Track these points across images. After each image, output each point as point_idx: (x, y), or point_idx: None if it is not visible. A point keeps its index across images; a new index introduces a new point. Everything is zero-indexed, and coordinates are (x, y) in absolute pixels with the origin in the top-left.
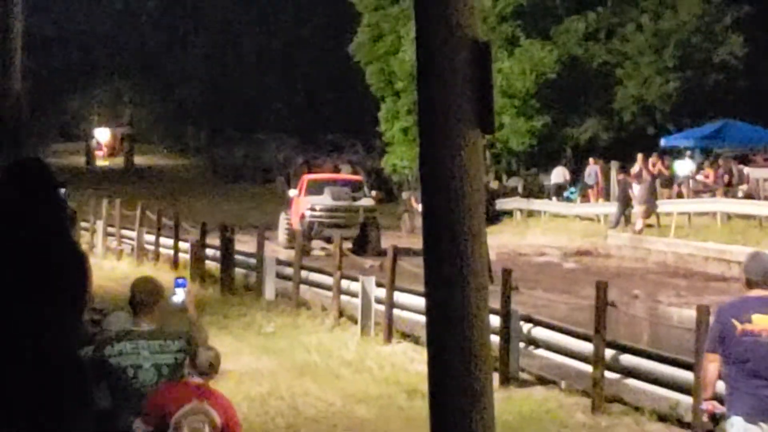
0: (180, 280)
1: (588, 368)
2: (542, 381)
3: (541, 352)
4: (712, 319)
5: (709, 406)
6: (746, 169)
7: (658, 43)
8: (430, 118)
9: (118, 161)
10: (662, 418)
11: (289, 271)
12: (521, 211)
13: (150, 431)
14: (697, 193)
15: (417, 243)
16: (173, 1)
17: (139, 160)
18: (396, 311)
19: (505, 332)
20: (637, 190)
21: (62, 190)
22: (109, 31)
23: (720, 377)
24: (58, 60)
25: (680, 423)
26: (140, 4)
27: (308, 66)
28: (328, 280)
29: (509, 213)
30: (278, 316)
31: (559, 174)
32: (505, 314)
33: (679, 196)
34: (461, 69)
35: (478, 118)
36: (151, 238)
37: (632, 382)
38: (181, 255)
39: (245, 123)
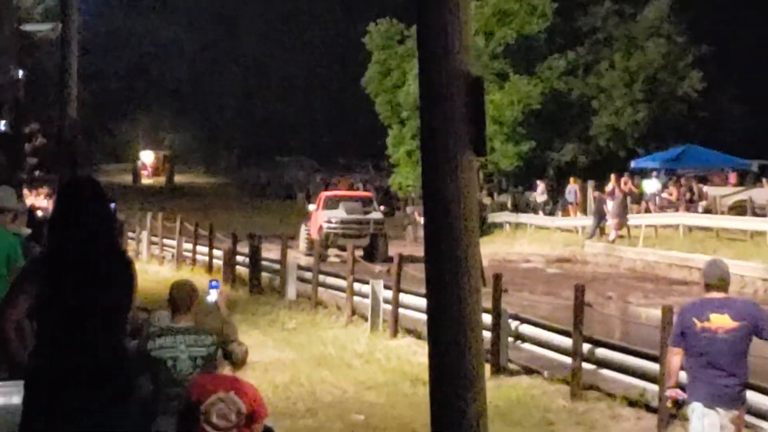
0: (213, 283)
1: (567, 360)
2: (528, 371)
3: (527, 345)
4: (675, 317)
5: (672, 393)
6: (705, 188)
7: (628, 79)
8: (431, 143)
9: (160, 180)
10: (632, 404)
11: (308, 275)
12: (510, 223)
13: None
14: (662, 209)
15: (419, 251)
16: (209, 40)
17: (178, 178)
18: (401, 310)
19: (496, 328)
20: (610, 205)
21: (112, 205)
22: (152, 66)
23: (682, 368)
24: (109, 91)
25: (648, 408)
26: (179, 42)
27: (325, 96)
28: (342, 283)
29: (500, 225)
30: (299, 314)
31: (540, 192)
32: (496, 313)
33: (647, 211)
34: (458, 100)
35: (472, 143)
36: (189, 246)
37: (606, 372)
38: (215, 261)
39: (270, 146)
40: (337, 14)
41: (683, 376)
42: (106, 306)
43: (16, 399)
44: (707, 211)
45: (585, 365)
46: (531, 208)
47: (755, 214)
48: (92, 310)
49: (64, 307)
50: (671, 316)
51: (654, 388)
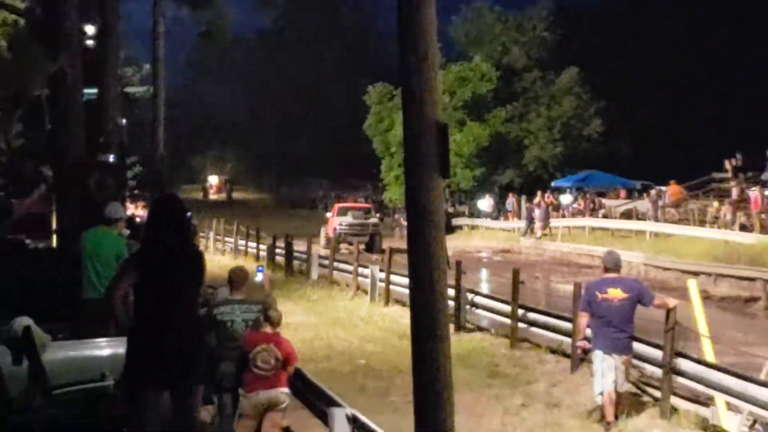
0: (259, 268)
1: (507, 321)
2: (480, 329)
3: (479, 311)
4: (583, 291)
5: (581, 344)
6: (603, 200)
7: (549, 124)
8: (412, 169)
9: (222, 196)
10: (553, 351)
11: (326, 262)
12: (467, 225)
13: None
14: (573, 215)
15: (404, 245)
16: (255, 96)
17: (235, 195)
18: (391, 286)
19: (457, 299)
20: (537, 213)
21: (188, 213)
22: (216, 114)
23: (588, 326)
24: (186, 133)
25: (564, 354)
26: (234, 96)
27: (338, 136)
28: (349, 267)
29: (460, 227)
30: (319, 289)
31: (488, 203)
32: (457, 288)
33: (563, 216)
34: (430, 140)
35: (440, 169)
36: (242, 242)
37: (534, 329)
38: (260, 252)
39: (299, 171)
40: (348, 78)
41: (589, 332)
42: (183, 285)
43: (121, 350)
44: (605, 216)
45: (520, 324)
46: (482, 215)
47: (638, 219)
48: (173, 289)
49: (153, 287)
50: (580, 290)
51: (568, 340)
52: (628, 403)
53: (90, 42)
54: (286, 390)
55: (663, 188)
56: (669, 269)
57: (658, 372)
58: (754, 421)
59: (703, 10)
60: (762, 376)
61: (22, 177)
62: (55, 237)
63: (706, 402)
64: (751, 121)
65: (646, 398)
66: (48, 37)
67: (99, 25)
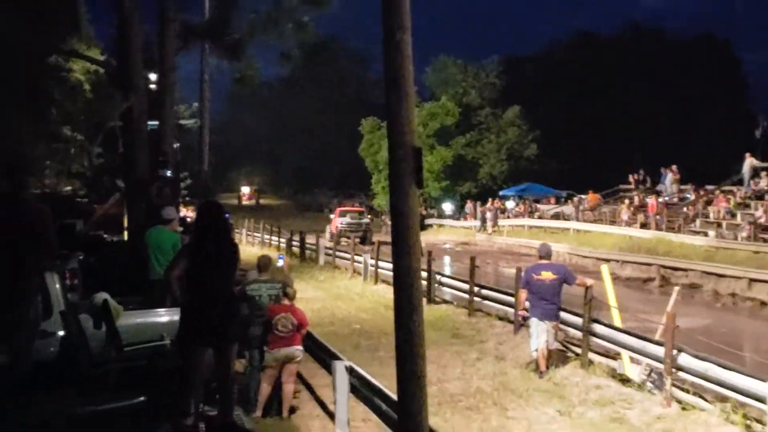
0: (280, 256)
1: (466, 296)
2: (445, 302)
3: (445, 288)
4: (523, 273)
5: (521, 313)
6: (538, 206)
7: (498, 148)
8: (395, 182)
9: (252, 202)
10: (501, 319)
11: (330, 251)
12: (436, 224)
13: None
14: (516, 216)
15: (389, 239)
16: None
17: (262, 201)
18: (379, 270)
19: (429, 279)
20: (488, 215)
21: (227, 215)
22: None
23: (526, 300)
24: (225, 155)
25: (509, 321)
26: (261, 124)
27: (340, 156)
28: (347, 255)
29: (431, 225)
30: (325, 272)
31: (451, 207)
32: (429, 270)
33: (508, 217)
34: (409, 160)
35: (416, 182)
36: (268, 236)
37: (487, 302)
38: (281, 244)
39: (310, 183)
40: (347, 114)
41: (527, 304)
42: (224, 268)
43: (176, 317)
44: (539, 217)
45: (475, 298)
46: (446, 216)
47: (564, 219)
48: (216, 271)
49: (200, 270)
50: (520, 272)
51: (511, 310)
52: (557, 358)
53: (152, 85)
54: (299, 347)
55: (583, 196)
56: (587, 257)
57: (578, 334)
58: (651, 371)
59: (613, 62)
60: (656, 337)
61: (101, 187)
62: (126, 233)
63: (615, 356)
64: (649, 146)
65: (570, 354)
66: (121, 82)
67: (159, 73)
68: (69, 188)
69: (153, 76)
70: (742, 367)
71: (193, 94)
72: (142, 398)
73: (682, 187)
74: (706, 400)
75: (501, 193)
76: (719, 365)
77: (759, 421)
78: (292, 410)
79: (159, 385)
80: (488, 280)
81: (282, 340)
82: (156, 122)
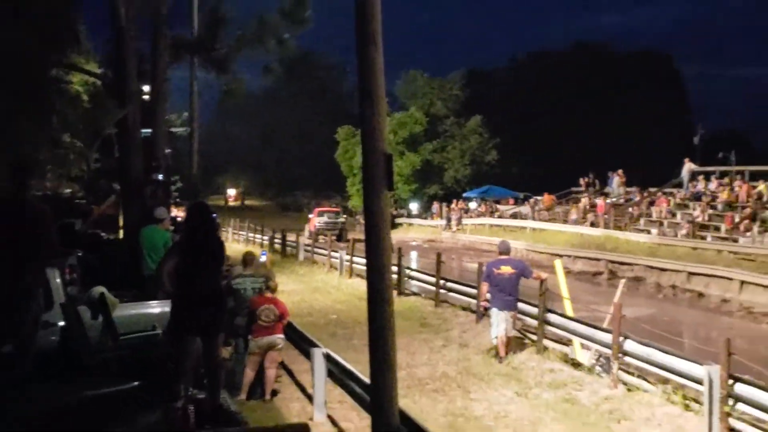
0: (263, 252)
1: (433, 288)
2: (414, 294)
3: (413, 282)
4: (485, 268)
5: (483, 304)
6: (498, 206)
7: (461, 154)
8: (368, 185)
9: (238, 203)
10: (464, 309)
11: (309, 248)
12: (405, 223)
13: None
14: (478, 216)
15: (362, 236)
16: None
17: (246, 202)
18: (354, 265)
19: (399, 272)
20: (453, 214)
21: (214, 215)
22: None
23: (487, 292)
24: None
25: (471, 311)
26: (249, 132)
27: (319, 161)
28: (324, 252)
29: (400, 224)
30: (304, 267)
31: (419, 207)
32: (399, 265)
33: (471, 217)
34: (380, 165)
35: (387, 184)
36: (252, 234)
37: (451, 294)
38: (264, 241)
39: (292, 186)
40: (324, 122)
41: (488, 296)
42: (211, 264)
43: (167, 309)
44: (499, 217)
45: (441, 291)
46: (414, 215)
47: (521, 218)
48: (204, 266)
49: (190, 266)
50: (482, 267)
51: (474, 301)
52: (515, 344)
53: (146, 96)
54: (281, 336)
55: (538, 197)
56: (543, 253)
57: (534, 323)
58: (599, 356)
59: (566, 75)
60: (604, 325)
61: (99, 190)
62: (121, 232)
63: (567, 343)
64: (598, 153)
65: (526, 341)
66: (116, 93)
67: (152, 85)
68: (69, 190)
69: (146, 88)
70: (682, 352)
71: (184, 103)
72: (136, 383)
73: (628, 189)
74: (649, 382)
75: (464, 194)
76: (661, 350)
77: (696, 401)
78: (274, 393)
79: (152, 371)
80: (453, 274)
81: (265, 330)
82: (149, 130)
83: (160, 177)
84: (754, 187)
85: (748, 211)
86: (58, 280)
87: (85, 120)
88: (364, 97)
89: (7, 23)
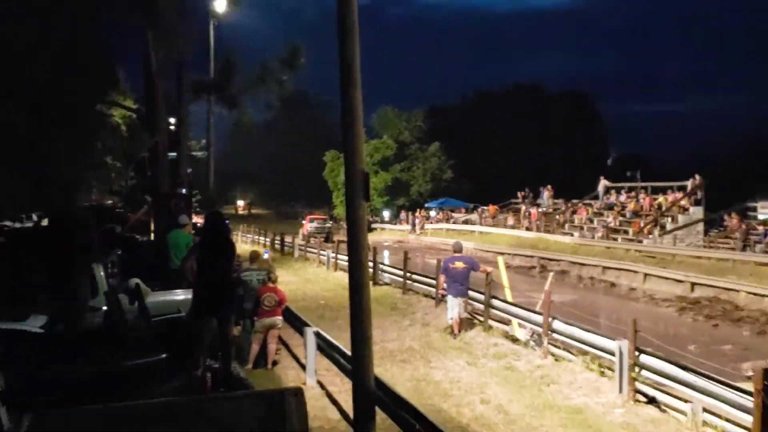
0: (266, 251)
1: (401, 279)
2: (386, 284)
3: (386, 274)
4: (442, 263)
5: (441, 291)
6: (453, 214)
7: (425, 173)
8: (350, 196)
9: (245, 212)
10: (426, 296)
11: (302, 248)
12: (379, 227)
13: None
14: (437, 222)
15: (345, 238)
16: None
17: (253, 211)
18: (339, 261)
19: (374, 267)
20: (417, 221)
21: (227, 221)
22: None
23: (444, 282)
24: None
25: (432, 298)
26: (253, 153)
27: (310, 178)
28: (315, 250)
29: (375, 228)
30: (299, 263)
31: (390, 215)
32: (374, 261)
33: (431, 223)
34: (359, 181)
35: (364, 197)
36: (257, 237)
37: (416, 284)
38: (266, 242)
39: (289, 197)
40: (315, 146)
41: (445, 285)
42: (224, 260)
43: (189, 296)
44: (454, 223)
45: (408, 281)
46: (386, 221)
47: (471, 224)
48: (220, 262)
49: (207, 262)
50: (440, 262)
51: (433, 290)
52: (466, 324)
53: (172, 126)
54: (280, 318)
55: (485, 207)
56: (488, 251)
57: (481, 307)
58: (533, 333)
59: (509, 109)
60: (537, 309)
61: (134, 201)
62: (152, 235)
63: (507, 323)
64: (532, 172)
65: (475, 321)
66: (148, 124)
67: (176, 117)
68: (110, 202)
69: (172, 120)
70: (598, 330)
71: (202, 132)
72: (164, 355)
73: (556, 201)
74: (572, 353)
75: (426, 205)
76: (581, 329)
77: (609, 369)
78: (275, 363)
79: (176, 345)
80: (417, 268)
81: (267, 312)
82: (174, 153)
83: (183, 191)
84: (655, 199)
85: (650, 218)
86: (102, 274)
87: (123, 146)
88: (346, 127)
89: (61, 69)
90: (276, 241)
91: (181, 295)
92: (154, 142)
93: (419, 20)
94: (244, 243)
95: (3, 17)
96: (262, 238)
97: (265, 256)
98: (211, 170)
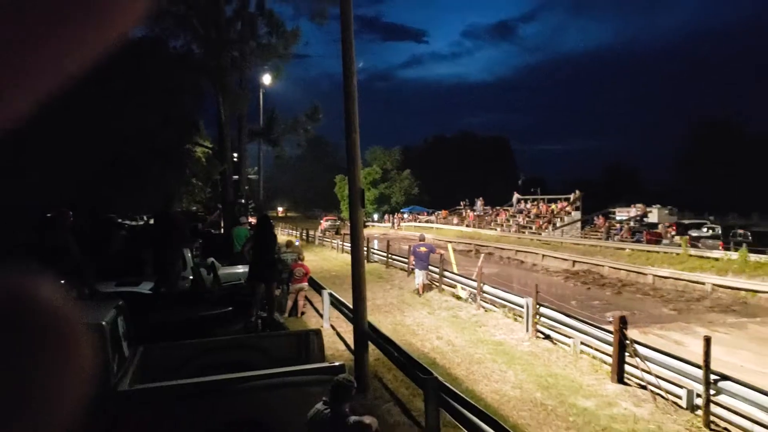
0: (297, 240)
1: (385, 258)
2: (376, 262)
3: (375, 255)
4: (412, 248)
5: (410, 266)
6: (419, 216)
7: (400, 190)
8: (351, 204)
9: (283, 215)
10: (401, 270)
11: (321, 238)
12: (371, 225)
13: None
14: (408, 221)
15: (349, 232)
16: (296, 175)
17: (289, 215)
18: (345, 246)
19: (367, 250)
20: (395, 220)
21: (271, 221)
22: (280, 184)
23: (413, 260)
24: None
25: (404, 270)
26: (287, 177)
27: (325, 195)
28: (329, 240)
29: (368, 225)
30: (319, 248)
31: (377, 217)
32: (367, 247)
33: (405, 222)
34: (358, 194)
35: (361, 204)
36: (290, 231)
37: (395, 262)
38: (297, 235)
39: (313, 205)
40: (330, 173)
41: (414, 262)
42: (269, 246)
43: (246, 269)
44: (420, 222)
45: (389, 260)
46: (375, 221)
47: (431, 223)
48: (265, 247)
49: (258, 246)
50: (410, 247)
51: (406, 265)
52: (427, 288)
53: (235, 159)
54: (306, 284)
55: (439, 212)
56: (442, 240)
57: (437, 276)
58: (471, 293)
59: (455, 150)
60: (474, 277)
61: (210, 207)
62: (222, 230)
63: (454, 286)
64: (470, 189)
65: (434, 286)
66: (219, 157)
67: (238, 153)
68: (194, 208)
69: (235, 154)
70: (512, 291)
71: (255, 162)
72: (230, 308)
73: (485, 207)
74: (496, 307)
75: (401, 210)
76: (502, 290)
77: (520, 316)
78: (302, 313)
79: (238, 302)
80: (396, 251)
81: (297, 280)
82: (236, 176)
83: (242, 201)
84: (550, 207)
85: (546, 219)
86: (189, 255)
87: (203, 171)
88: (349, 159)
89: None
90: (303, 234)
91: (241, 269)
92: (223, 169)
93: (397, 90)
94: (282, 235)
95: (133, 98)
96: (294, 231)
97: (296, 243)
98: (261, 187)
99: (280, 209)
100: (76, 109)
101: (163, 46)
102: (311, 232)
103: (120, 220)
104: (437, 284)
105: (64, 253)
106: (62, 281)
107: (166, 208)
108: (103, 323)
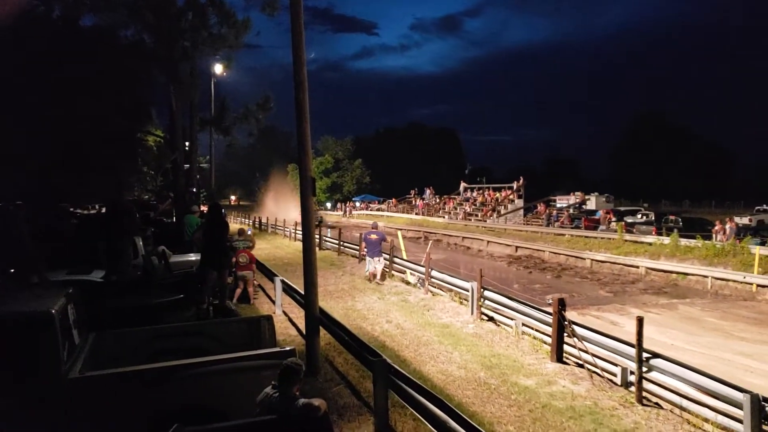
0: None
1: (337, 246)
2: (328, 249)
3: (327, 242)
4: (363, 235)
5: (363, 252)
6: (371, 205)
7: (352, 179)
8: (303, 193)
9: (235, 203)
10: (353, 257)
11: (273, 226)
12: (323, 213)
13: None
14: (360, 209)
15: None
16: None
17: (241, 203)
18: (297, 234)
19: (319, 238)
20: (347, 209)
21: (222, 209)
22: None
23: (364, 247)
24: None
25: (356, 257)
26: (239, 164)
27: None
28: (281, 228)
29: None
30: (272, 236)
31: (330, 206)
32: (319, 234)
33: (356, 210)
34: (309, 182)
35: (312, 193)
36: (243, 219)
37: (347, 249)
38: (249, 223)
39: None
40: (281, 160)
41: (365, 250)
42: (221, 234)
43: (198, 257)
44: (371, 210)
45: (341, 247)
46: (328, 209)
47: (381, 211)
48: (218, 235)
49: (209, 234)
50: (361, 235)
51: (357, 252)
52: (378, 275)
53: (186, 147)
54: (251, 271)
55: (390, 200)
56: (392, 227)
57: (388, 263)
58: (419, 279)
59: (404, 141)
60: (422, 263)
61: (162, 196)
62: (174, 218)
63: (404, 272)
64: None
65: (387, 273)
66: (170, 146)
67: (189, 141)
68: (146, 196)
69: (186, 143)
70: (459, 276)
71: (206, 150)
72: (181, 295)
73: (434, 196)
74: (443, 291)
75: (353, 199)
76: (449, 275)
77: (465, 300)
78: (255, 299)
79: (189, 289)
80: (347, 238)
81: (242, 267)
82: (187, 165)
83: (194, 189)
84: (495, 195)
85: (491, 206)
86: (141, 243)
87: (154, 159)
88: (300, 148)
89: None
90: (256, 222)
91: (193, 257)
92: (174, 158)
93: (349, 80)
94: (234, 223)
95: (85, 86)
96: (246, 220)
97: (248, 231)
98: (212, 175)
99: (233, 198)
100: (25, 97)
101: (114, 35)
102: (263, 220)
103: (72, 209)
104: (387, 269)
105: (16, 242)
106: (12, 270)
107: (117, 196)
108: (53, 311)
